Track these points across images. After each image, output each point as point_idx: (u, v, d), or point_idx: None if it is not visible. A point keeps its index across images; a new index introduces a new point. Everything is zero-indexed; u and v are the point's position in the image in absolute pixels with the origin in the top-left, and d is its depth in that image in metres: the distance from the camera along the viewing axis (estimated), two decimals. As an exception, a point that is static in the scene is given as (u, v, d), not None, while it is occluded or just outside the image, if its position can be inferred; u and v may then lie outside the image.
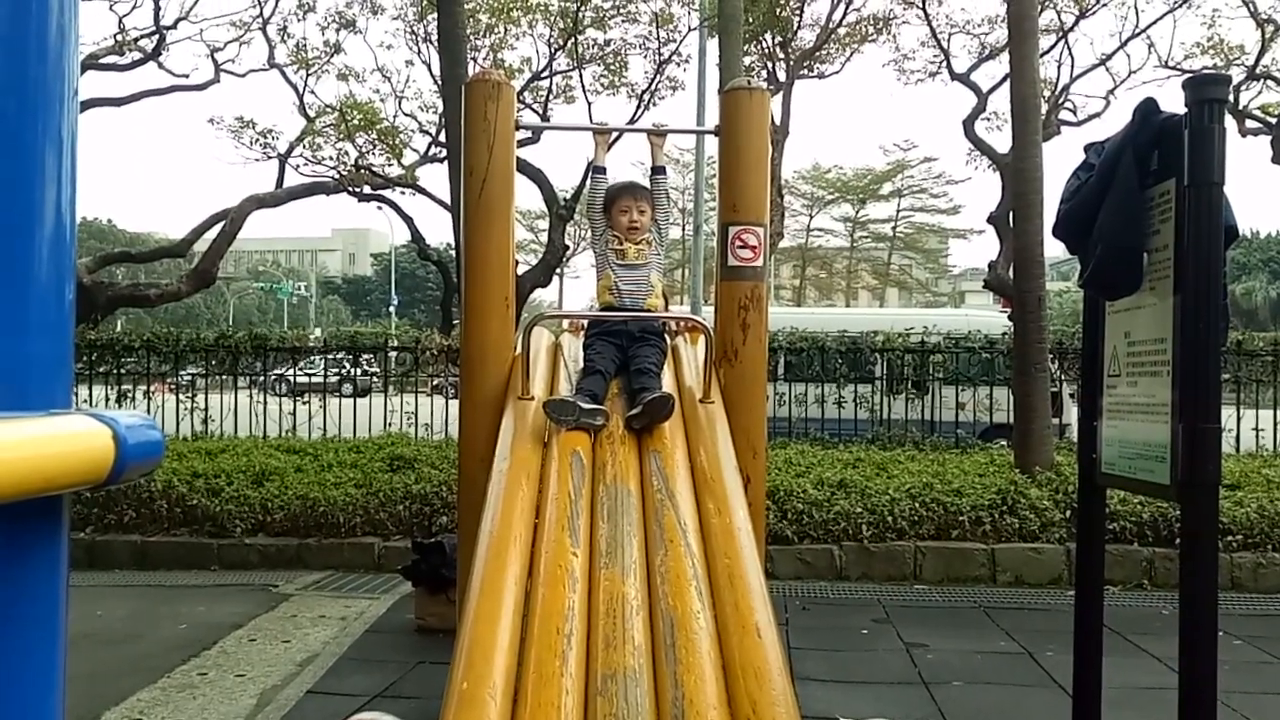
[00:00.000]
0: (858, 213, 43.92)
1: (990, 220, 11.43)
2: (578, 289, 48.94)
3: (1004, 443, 9.11)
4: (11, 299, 0.77)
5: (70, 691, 1.00)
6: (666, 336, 3.74)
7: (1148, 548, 6.40)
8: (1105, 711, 3.39)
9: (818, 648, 5.02)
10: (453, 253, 10.58)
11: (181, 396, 9.72)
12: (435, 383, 10.37)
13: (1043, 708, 4.13)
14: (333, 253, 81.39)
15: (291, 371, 10.37)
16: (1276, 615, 5.78)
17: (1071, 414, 10.19)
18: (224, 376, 10.17)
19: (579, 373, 3.49)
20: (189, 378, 10.30)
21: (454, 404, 7.15)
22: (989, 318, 12.06)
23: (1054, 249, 7.69)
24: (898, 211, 43.92)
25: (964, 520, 6.59)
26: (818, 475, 7.21)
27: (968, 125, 11.91)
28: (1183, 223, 2.44)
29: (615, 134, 3.47)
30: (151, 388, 9.83)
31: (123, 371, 9.73)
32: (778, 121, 12.11)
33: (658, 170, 3.71)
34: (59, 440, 0.73)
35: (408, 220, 13.23)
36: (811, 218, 42.91)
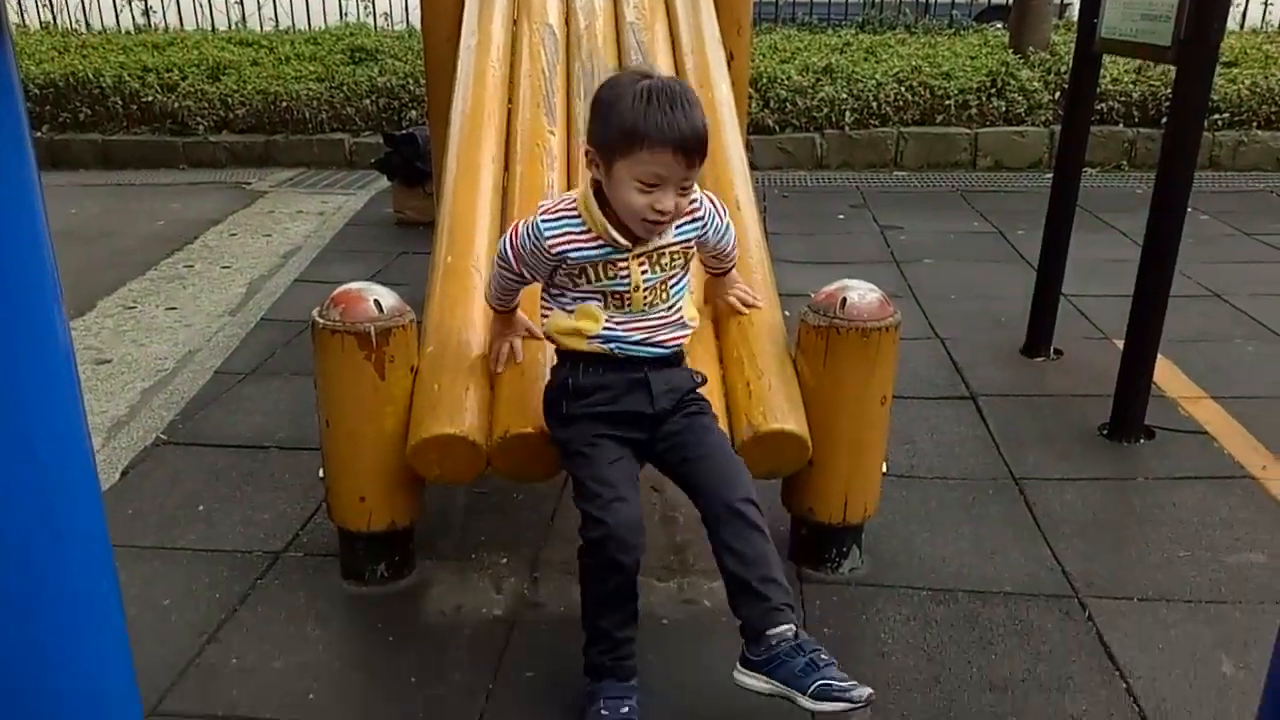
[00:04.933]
0: None
1: None
2: None
3: (1001, 25, 8.65)
4: None
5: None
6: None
7: (1133, 128, 6.32)
8: (1067, 282, 3.53)
9: (795, 232, 5.11)
10: None
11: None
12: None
13: (1007, 280, 4.29)
14: None
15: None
16: (1249, 191, 5.86)
17: (1074, -9, 9.60)
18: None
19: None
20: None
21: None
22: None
23: None
24: None
25: (950, 105, 6.42)
26: (803, 61, 6.88)
27: None
28: None
29: None
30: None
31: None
32: None
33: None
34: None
35: None
36: None
